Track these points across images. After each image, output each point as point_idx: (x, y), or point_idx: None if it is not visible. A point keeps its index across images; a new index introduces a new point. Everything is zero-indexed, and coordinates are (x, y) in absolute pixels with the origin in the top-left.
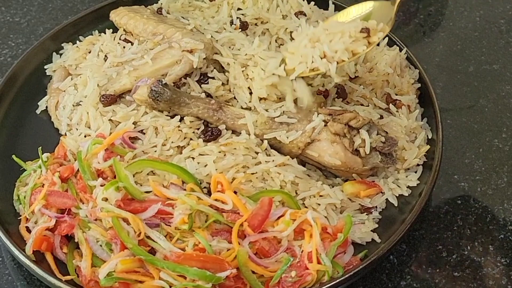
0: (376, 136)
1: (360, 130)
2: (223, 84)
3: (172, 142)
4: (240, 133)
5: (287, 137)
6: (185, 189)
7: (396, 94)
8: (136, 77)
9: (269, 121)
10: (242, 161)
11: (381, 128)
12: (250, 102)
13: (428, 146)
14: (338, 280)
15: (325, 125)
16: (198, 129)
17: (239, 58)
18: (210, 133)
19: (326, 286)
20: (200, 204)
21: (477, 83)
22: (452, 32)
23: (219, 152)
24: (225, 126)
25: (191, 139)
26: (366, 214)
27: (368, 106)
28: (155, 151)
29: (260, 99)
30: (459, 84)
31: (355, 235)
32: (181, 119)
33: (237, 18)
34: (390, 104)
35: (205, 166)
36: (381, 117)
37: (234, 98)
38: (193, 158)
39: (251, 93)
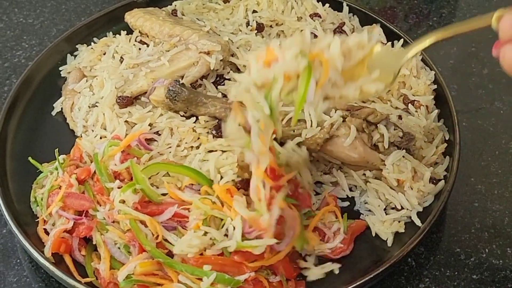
0: (394, 131)
1: (378, 125)
2: None
3: (186, 143)
4: None
5: (306, 134)
6: (199, 191)
7: (413, 95)
8: (153, 78)
9: (288, 119)
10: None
11: (398, 123)
12: None
13: (446, 145)
14: (356, 284)
15: (343, 121)
16: (211, 128)
17: None
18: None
19: None
20: (215, 210)
21: (492, 86)
22: (466, 35)
23: (228, 145)
24: None
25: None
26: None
27: (387, 103)
28: (170, 152)
29: None
30: (474, 86)
31: (380, 228)
32: (196, 120)
33: (253, 19)
34: (409, 104)
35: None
36: (400, 117)
37: None
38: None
39: None
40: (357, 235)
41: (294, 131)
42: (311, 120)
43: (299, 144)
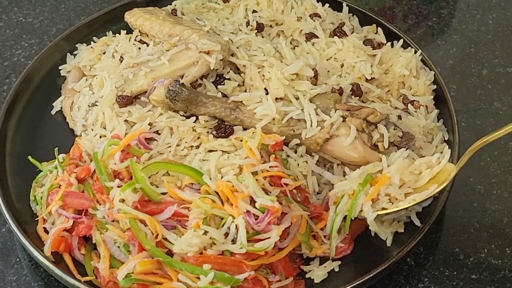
0: (393, 131)
1: (378, 125)
2: (239, 85)
3: (185, 142)
4: None
5: (306, 134)
6: (199, 190)
7: (413, 95)
8: (153, 78)
9: (288, 119)
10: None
11: (397, 123)
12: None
13: (445, 145)
14: (356, 283)
15: (343, 121)
16: (211, 128)
17: (255, 59)
18: (223, 130)
19: None
20: (215, 208)
21: (491, 86)
22: (465, 35)
23: (229, 146)
24: (243, 124)
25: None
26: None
27: (386, 103)
28: (170, 151)
29: (277, 99)
30: (473, 87)
31: (379, 228)
32: (196, 119)
33: (253, 19)
34: (409, 104)
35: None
36: (400, 117)
37: None
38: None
39: (267, 94)
40: (357, 234)
41: (293, 130)
42: (311, 120)
43: (299, 144)
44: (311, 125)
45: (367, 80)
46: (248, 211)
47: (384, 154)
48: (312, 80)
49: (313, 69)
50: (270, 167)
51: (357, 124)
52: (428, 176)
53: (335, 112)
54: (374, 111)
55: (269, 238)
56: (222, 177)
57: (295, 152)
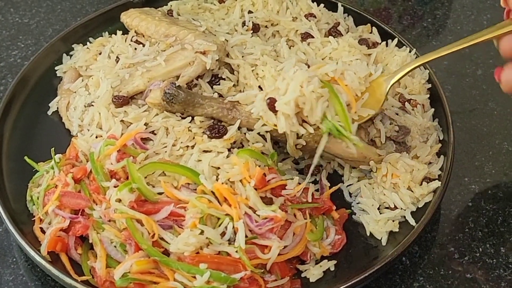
0: (390, 125)
1: (374, 120)
2: (234, 85)
3: (181, 142)
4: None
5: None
6: (195, 190)
7: (409, 94)
8: (149, 78)
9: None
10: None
11: (393, 118)
12: None
13: (440, 145)
14: (351, 282)
15: None
16: (206, 129)
17: (248, 58)
18: (217, 131)
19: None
20: (211, 208)
21: (485, 86)
22: (460, 36)
23: (222, 147)
24: (241, 124)
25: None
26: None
27: None
28: (165, 152)
29: None
30: (468, 87)
31: (374, 228)
32: (192, 120)
33: (249, 20)
34: (406, 103)
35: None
36: (397, 115)
37: None
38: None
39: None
40: (343, 222)
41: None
42: None
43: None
44: None
45: None
46: (248, 214)
47: (381, 149)
48: None
49: (306, 64)
50: (268, 180)
51: None
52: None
53: None
54: None
55: (266, 245)
56: (217, 177)
57: None
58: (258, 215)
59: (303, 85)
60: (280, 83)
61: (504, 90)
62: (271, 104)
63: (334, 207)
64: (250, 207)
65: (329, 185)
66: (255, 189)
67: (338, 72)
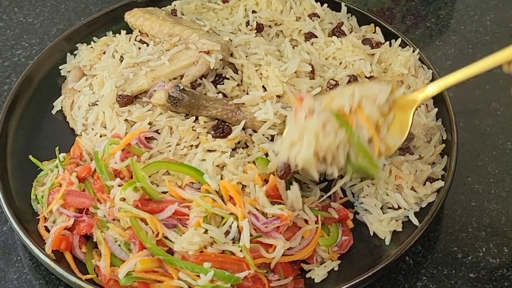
0: None
1: None
2: (238, 85)
3: (185, 142)
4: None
5: None
6: (199, 189)
7: None
8: (153, 77)
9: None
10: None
11: None
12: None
13: (444, 145)
14: (355, 281)
15: None
16: (210, 128)
17: (252, 58)
18: (221, 130)
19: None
20: (215, 207)
21: (489, 87)
22: (463, 36)
23: (226, 146)
24: (245, 125)
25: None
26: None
27: None
28: (170, 151)
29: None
30: (471, 87)
31: (377, 227)
32: (196, 119)
33: (253, 20)
34: None
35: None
36: None
37: None
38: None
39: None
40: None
41: None
42: None
43: None
44: None
45: (366, 78)
46: (253, 213)
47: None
48: (309, 75)
49: (309, 64)
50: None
51: None
52: None
53: None
54: None
55: (271, 245)
56: (221, 177)
57: None
58: (264, 214)
59: (319, 136)
60: (292, 131)
61: None
62: (287, 170)
63: (351, 216)
64: (255, 208)
65: (341, 194)
66: (266, 197)
67: (355, 104)
